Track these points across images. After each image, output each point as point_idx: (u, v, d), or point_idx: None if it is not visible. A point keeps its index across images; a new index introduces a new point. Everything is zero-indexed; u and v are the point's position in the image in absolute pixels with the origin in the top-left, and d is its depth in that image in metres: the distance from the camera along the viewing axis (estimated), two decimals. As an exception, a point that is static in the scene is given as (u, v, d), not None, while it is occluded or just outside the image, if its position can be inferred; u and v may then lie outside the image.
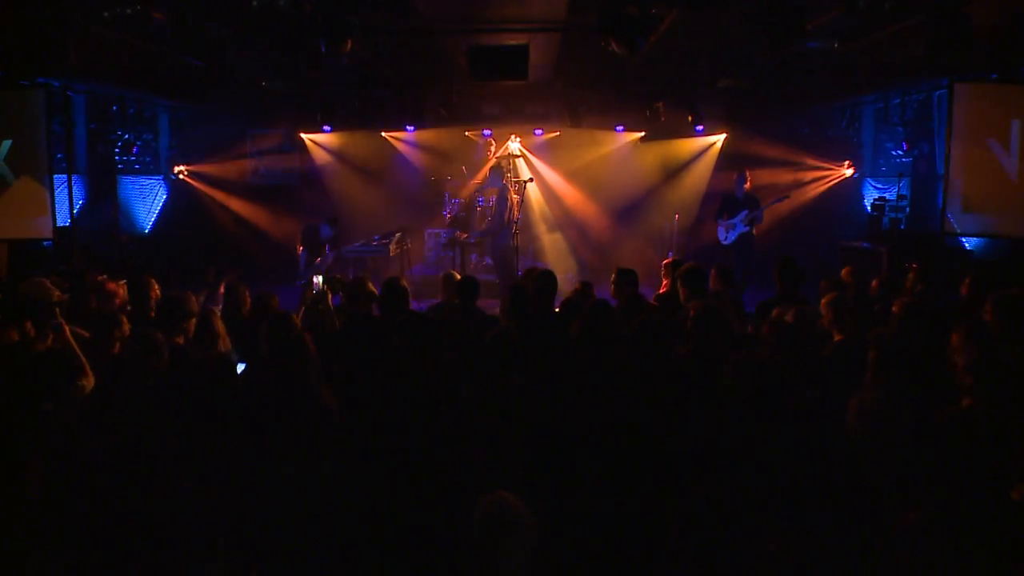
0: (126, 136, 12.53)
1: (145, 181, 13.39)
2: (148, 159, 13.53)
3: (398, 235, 9.83)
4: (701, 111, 11.06)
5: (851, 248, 10.16)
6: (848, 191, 12.58)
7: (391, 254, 9.65)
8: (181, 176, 13.60)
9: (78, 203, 11.46)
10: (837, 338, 5.21)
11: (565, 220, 13.62)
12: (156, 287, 5.69)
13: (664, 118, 11.27)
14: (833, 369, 4.63)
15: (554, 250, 13.25)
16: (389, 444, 3.64)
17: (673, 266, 7.08)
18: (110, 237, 11.68)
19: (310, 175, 13.93)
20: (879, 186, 12.02)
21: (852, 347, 5.04)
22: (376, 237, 10.13)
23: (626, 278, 6.51)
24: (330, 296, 5.77)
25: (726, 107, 11.97)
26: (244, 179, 13.87)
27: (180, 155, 13.73)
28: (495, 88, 12.32)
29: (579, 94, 11.21)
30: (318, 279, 5.88)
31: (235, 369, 4.40)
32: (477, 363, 4.37)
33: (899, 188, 10.41)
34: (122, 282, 6.18)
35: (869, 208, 11.49)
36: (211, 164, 13.67)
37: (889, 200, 11.00)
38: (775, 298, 6.24)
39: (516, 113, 13.00)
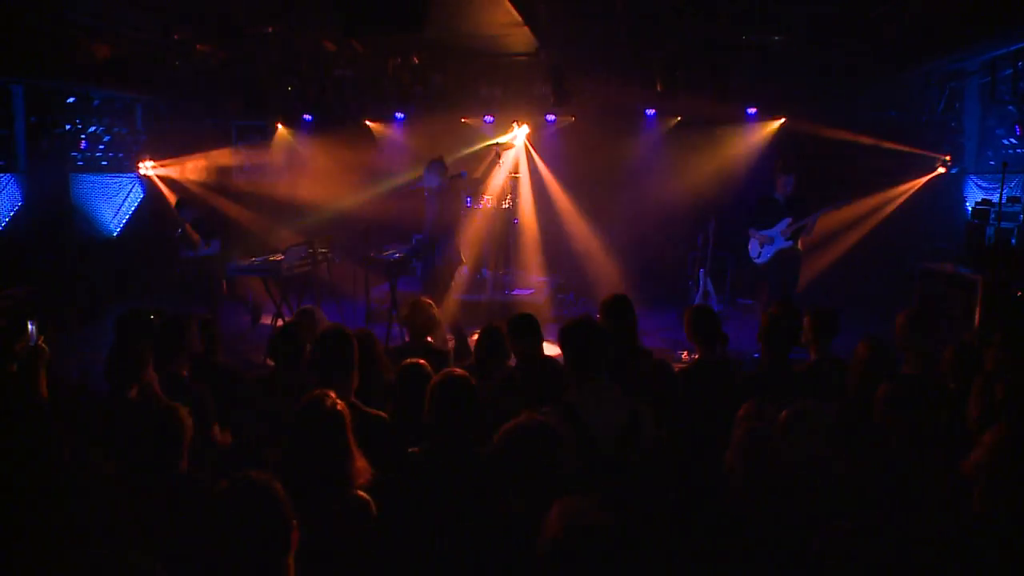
0: (91, 129, 11.32)
1: (112, 179, 12.02)
2: (120, 155, 12.19)
3: (312, 251, 7.47)
4: (733, 82, 8.29)
5: (933, 272, 7.26)
6: (945, 191, 9.64)
7: (297, 271, 7.37)
8: (146, 173, 12.16)
9: (16, 205, 10.23)
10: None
11: (572, 228, 11.04)
12: None
13: (685, 92, 8.54)
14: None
15: (555, 265, 10.86)
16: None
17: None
18: (56, 242, 10.38)
19: (289, 171, 12.28)
20: (984, 185, 9.06)
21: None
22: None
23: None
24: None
25: (773, 78, 9.09)
26: (227, 177, 12.40)
27: (151, 149, 12.30)
28: (489, 66, 10.12)
29: (572, 65, 8.70)
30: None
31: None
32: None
33: (1011, 187, 7.40)
34: None
35: (970, 214, 8.62)
36: (188, 159, 12.22)
37: (997, 204, 8.10)
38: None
39: (522, 95, 10.67)
